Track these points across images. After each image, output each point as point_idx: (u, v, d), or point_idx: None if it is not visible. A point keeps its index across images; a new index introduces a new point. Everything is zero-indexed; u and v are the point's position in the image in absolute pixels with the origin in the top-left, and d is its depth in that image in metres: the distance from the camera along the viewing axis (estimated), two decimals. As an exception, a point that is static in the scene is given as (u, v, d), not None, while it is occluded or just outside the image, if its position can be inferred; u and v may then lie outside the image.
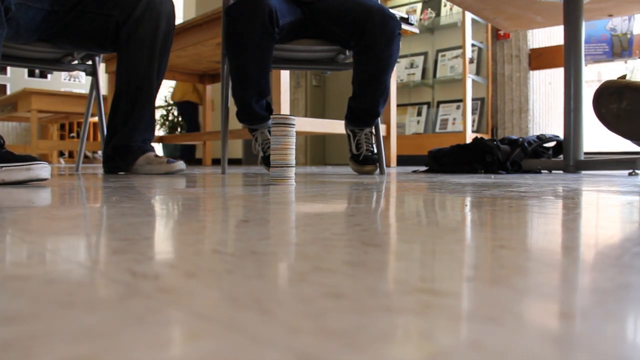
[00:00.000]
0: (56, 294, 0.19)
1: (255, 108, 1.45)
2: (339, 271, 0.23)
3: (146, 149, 1.48)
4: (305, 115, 4.37)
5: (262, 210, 0.48)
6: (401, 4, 3.81)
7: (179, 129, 5.16)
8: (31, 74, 5.36)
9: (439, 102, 3.64)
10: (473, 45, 3.38)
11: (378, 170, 1.57)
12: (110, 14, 1.41)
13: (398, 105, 3.62)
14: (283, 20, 1.39)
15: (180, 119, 4.89)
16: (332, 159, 4.54)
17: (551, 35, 3.38)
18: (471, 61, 3.37)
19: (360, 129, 1.59)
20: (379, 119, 1.59)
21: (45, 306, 0.17)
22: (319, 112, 4.53)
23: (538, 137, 1.76)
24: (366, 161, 1.55)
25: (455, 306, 0.17)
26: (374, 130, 1.60)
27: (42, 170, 0.87)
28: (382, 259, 0.26)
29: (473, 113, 3.46)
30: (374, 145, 1.60)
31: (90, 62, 1.72)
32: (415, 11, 3.73)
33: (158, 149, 5.62)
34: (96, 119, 4.37)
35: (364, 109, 1.53)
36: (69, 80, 5.59)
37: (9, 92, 5.14)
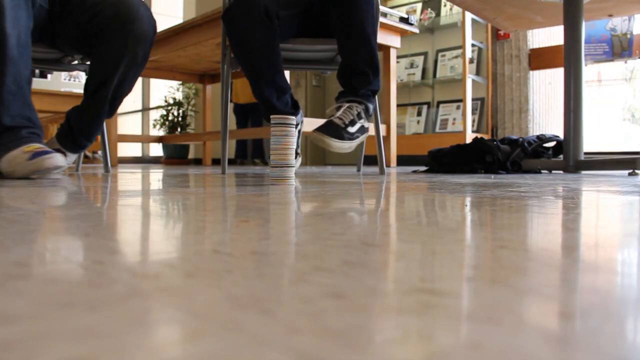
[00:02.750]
0: (56, 294, 0.19)
1: (278, 105, 1.43)
2: (339, 271, 0.23)
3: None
4: (305, 115, 4.36)
5: (262, 210, 0.48)
6: (401, 4, 3.81)
7: (178, 129, 5.16)
8: (31, 74, 5.35)
9: (439, 102, 3.64)
10: (473, 45, 3.38)
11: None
12: (81, 20, 1.39)
13: (398, 105, 3.62)
14: (283, 11, 1.39)
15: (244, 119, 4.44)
16: (332, 159, 4.54)
17: (551, 35, 3.38)
18: (471, 61, 3.37)
19: (347, 101, 1.33)
20: (377, 110, 1.38)
21: (45, 306, 0.17)
22: (319, 112, 4.53)
23: (538, 137, 1.76)
24: (327, 127, 1.24)
25: (455, 306, 0.17)
26: (368, 108, 1.34)
27: None
28: (382, 259, 0.26)
29: (473, 113, 3.46)
30: (361, 123, 1.31)
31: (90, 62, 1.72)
32: (415, 11, 3.73)
33: (158, 148, 5.63)
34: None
35: (346, 64, 1.36)
36: (69, 80, 5.58)
37: (9, 92, 5.13)
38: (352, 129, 1.28)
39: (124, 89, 1.39)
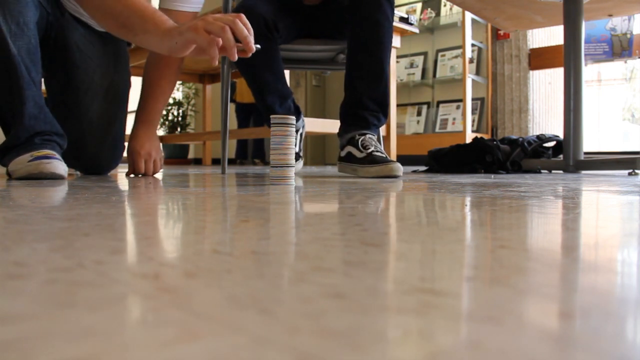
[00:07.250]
0: (56, 294, 0.19)
1: (281, 112, 1.44)
2: (339, 271, 0.23)
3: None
4: (305, 115, 4.35)
5: (262, 210, 0.48)
6: (401, 4, 3.81)
7: (178, 129, 5.16)
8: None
9: (439, 102, 3.64)
10: (473, 45, 3.38)
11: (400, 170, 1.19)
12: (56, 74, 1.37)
13: (398, 105, 3.62)
14: (282, 23, 1.38)
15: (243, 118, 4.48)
16: (332, 159, 4.54)
17: (551, 35, 3.38)
18: (471, 61, 3.37)
19: (360, 134, 1.28)
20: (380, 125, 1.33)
21: (45, 306, 0.17)
22: (319, 112, 4.54)
23: (538, 137, 1.76)
24: (378, 159, 1.20)
25: (455, 306, 0.17)
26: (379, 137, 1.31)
27: None
28: (382, 259, 0.26)
29: (473, 113, 3.46)
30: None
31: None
32: (415, 11, 3.73)
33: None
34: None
35: (355, 98, 1.30)
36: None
37: (9, 92, 5.12)
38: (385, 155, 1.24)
39: None
